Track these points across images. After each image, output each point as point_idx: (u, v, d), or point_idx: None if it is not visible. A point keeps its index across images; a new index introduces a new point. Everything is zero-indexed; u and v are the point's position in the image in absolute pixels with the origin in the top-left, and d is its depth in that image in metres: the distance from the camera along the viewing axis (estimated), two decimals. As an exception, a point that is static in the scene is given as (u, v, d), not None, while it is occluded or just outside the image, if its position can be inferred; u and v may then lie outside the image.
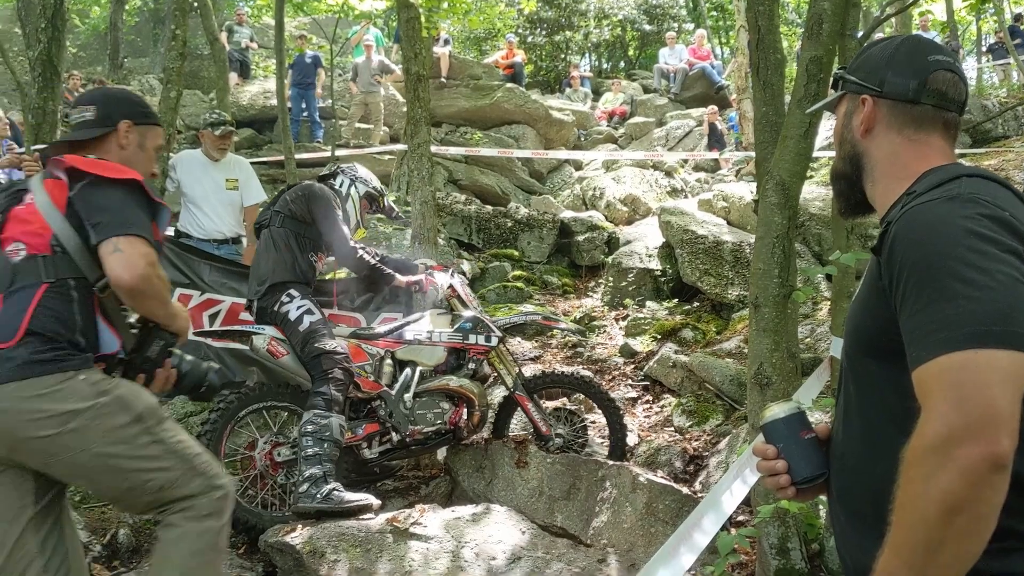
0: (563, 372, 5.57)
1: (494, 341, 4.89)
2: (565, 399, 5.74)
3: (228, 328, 4.88)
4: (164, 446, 2.54)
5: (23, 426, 2.38)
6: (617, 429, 5.11)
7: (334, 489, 4.09)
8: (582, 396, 5.57)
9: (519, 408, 5.05)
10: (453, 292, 5.07)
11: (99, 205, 2.53)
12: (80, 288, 2.54)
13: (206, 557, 2.55)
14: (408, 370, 4.75)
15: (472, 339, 4.84)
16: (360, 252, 4.75)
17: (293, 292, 4.54)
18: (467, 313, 4.97)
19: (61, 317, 2.48)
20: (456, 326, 4.89)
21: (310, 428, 4.20)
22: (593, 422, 5.59)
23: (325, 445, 4.18)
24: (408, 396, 4.66)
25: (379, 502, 4.25)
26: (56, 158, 2.61)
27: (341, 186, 4.99)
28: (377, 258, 4.95)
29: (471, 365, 4.89)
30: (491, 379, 5.40)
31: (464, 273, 5.47)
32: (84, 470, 2.48)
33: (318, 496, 4.04)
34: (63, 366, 2.43)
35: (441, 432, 4.72)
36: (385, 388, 4.69)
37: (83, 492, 4.72)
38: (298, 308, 4.49)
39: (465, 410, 4.76)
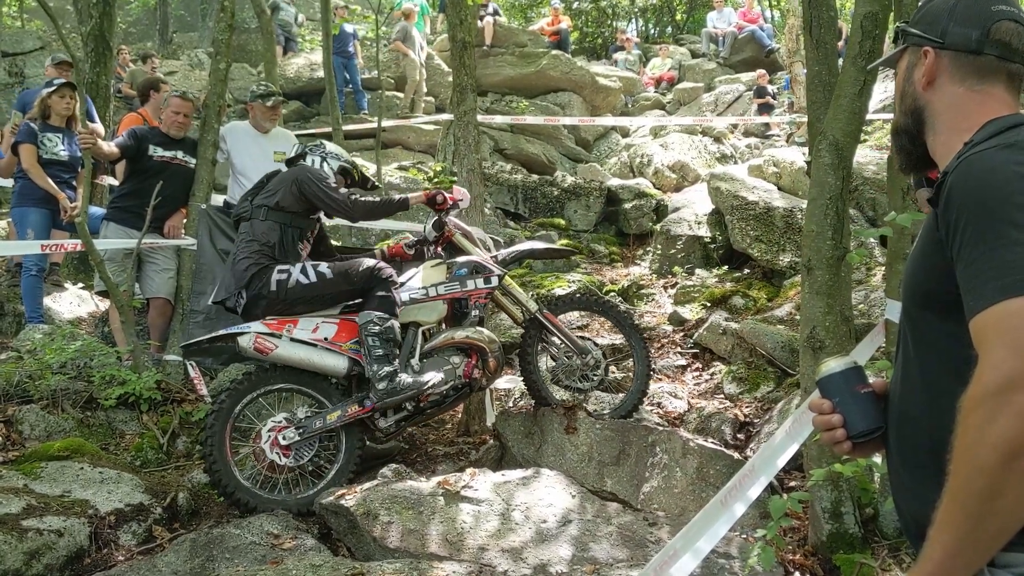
0: (584, 296, 5.45)
1: (494, 281, 4.73)
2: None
3: (213, 335, 4.57)
4: None
5: None
6: (642, 357, 5.01)
7: (406, 378, 4.38)
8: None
9: (545, 333, 4.89)
10: (451, 232, 4.91)
11: None
12: None
13: None
14: (410, 333, 4.63)
15: (471, 284, 4.69)
16: (355, 198, 4.64)
17: (282, 266, 4.44)
18: (461, 259, 4.81)
19: None
20: (451, 274, 4.72)
21: (376, 328, 4.34)
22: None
23: (391, 344, 4.37)
24: (414, 361, 4.57)
25: (441, 376, 4.49)
26: None
27: (313, 165, 4.82)
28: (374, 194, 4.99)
29: (474, 312, 4.73)
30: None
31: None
32: None
33: (398, 387, 4.32)
34: None
35: (457, 387, 4.59)
36: None
37: (144, 458, 4.85)
38: (302, 271, 4.42)
39: (478, 359, 4.62)
